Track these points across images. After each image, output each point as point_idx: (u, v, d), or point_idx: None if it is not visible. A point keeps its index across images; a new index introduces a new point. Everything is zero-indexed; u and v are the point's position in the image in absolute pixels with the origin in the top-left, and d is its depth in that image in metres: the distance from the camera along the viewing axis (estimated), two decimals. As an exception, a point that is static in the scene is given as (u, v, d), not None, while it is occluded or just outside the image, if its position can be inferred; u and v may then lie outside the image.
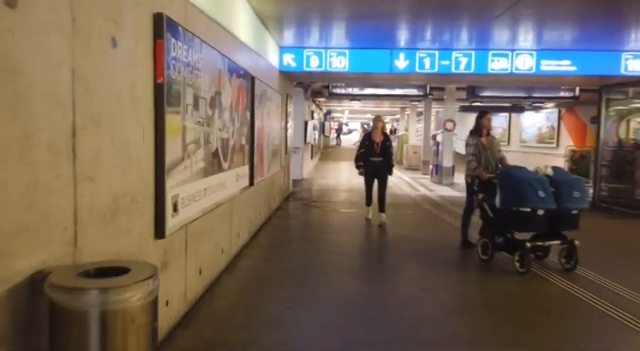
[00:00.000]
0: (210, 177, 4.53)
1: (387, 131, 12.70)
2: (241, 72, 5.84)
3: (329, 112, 29.77)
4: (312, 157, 19.15)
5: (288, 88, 11.08)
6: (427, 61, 9.35)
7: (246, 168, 6.24)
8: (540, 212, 5.49)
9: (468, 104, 20.77)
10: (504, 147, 23.58)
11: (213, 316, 4.08)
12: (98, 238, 2.59)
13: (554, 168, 6.02)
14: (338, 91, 13.36)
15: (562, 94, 13.12)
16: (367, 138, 8.54)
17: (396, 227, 8.17)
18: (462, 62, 9.30)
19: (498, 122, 23.44)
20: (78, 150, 2.37)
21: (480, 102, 18.99)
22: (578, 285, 5.14)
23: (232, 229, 5.73)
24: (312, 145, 18.60)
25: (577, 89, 13.03)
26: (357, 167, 8.58)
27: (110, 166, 2.72)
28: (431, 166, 15.57)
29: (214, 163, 4.69)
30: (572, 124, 18.39)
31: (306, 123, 15.82)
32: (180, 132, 3.69)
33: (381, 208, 8.32)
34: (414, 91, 13.30)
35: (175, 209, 3.58)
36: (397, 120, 46.09)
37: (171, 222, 3.52)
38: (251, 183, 6.61)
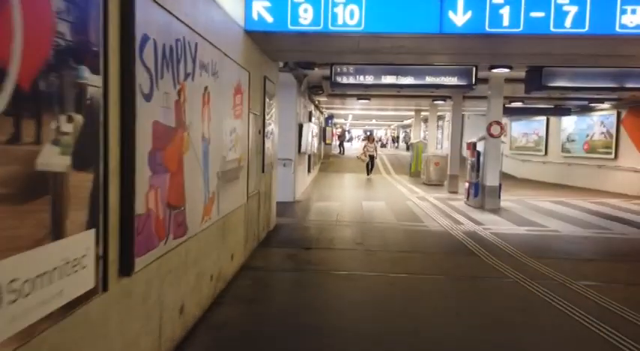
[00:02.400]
0: None
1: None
2: None
3: (331, 117, 25.60)
4: (309, 170, 14.95)
5: (266, 67, 6.89)
6: (506, 13, 5.14)
7: (72, 243, 2.01)
8: None
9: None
10: (540, 158, 19.35)
11: None
12: None
13: None
14: (344, 80, 9.20)
15: (668, 84, 8.93)
16: None
17: (463, 321, 3.93)
18: (568, 14, 5.09)
19: (532, 128, 19.20)
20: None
21: (528, 100, 14.79)
22: None
23: None
24: (309, 156, 14.41)
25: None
26: None
27: None
28: (466, 185, 11.32)
29: None
30: (637, 129, 14.17)
31: (300, 126, 11.63)
32: None
33: None
34: (452, 80, 9.14)
35: None
36: (405, 127, 41.76)
37: None
38: (125, 271, 2.39)
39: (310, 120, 14.41)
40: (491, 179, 10.51)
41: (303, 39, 5.64)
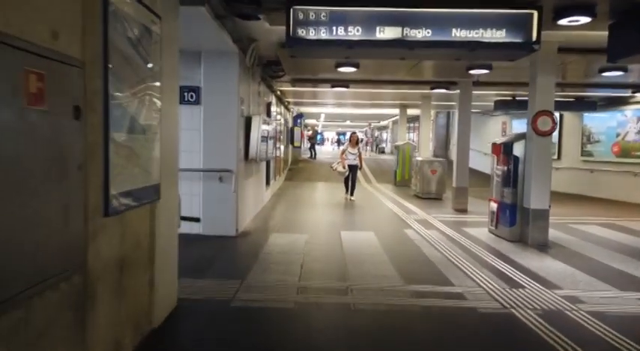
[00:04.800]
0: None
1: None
2: None
3: (300, 116, 21.57)
4: (268, 182, 10.85)
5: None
6: None
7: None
8: None
9: (509, 98, 12.93)
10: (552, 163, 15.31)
11: None
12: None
13: None
14: (311, 33, 5.18)
15: None
16: None
17: None
18: None
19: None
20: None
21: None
22: None
23: None
24: (268, 163, 10.33)
25: None
26: None
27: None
28: (492, 206, 7.43)
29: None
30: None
31: (248, 120, 7.54)
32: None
33: None
34: (497, 35, 5.24)
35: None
36: (382, 128, 37.95)
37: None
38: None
39: (269, 114, 10.34)
40: (537, 199, 6.66)
41: None
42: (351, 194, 11.27)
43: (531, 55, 6.75)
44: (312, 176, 17.10)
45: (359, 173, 12.35)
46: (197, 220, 6.80)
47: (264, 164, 9.78)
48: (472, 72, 8.12)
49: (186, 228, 6.76)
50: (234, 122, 6.81)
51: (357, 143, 11.58)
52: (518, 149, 6.94)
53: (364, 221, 8.67)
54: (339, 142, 51.47)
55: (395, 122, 30.35)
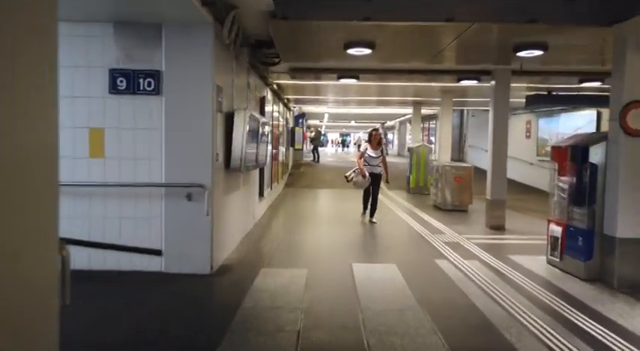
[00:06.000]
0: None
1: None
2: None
3: (302, 116, 19.72)
4: (262, 193, 8.96)
5: None
6: None
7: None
8: None
9: (544, 92, 11.01)
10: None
11: None
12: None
13: None
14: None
15: None
16: None
17: None
18: None
19: (571, 126, 13.61)
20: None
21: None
22: None
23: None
24: (262, 170, 8.46)
25: None
26: None
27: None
28: (553, 229, 5.53)
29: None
30: None
31: (230, 117, 5.63)
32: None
33: None
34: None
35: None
36: (388, 129, 35.99)
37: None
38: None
39: (263, 112, 8.46)
40: (628, 224, 4.75)
41: None
42: (372, 214, 8.32)
43: (616, 27, 4.89)
44: (314, 182, 15.21)
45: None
46: (157, 253, 4.93)
47: (256, 171, 7.92)
48: (521, 54, 6.20)
49: (143, 264, 4.90)
50: (207, 119, 4.93)
51: (379, 143, 8.38)
52: (596, 154, 5.03)
53: (381, 245, 6.79)
54: (343, 144, 49.48)
55: (402, 122, 28.45)
